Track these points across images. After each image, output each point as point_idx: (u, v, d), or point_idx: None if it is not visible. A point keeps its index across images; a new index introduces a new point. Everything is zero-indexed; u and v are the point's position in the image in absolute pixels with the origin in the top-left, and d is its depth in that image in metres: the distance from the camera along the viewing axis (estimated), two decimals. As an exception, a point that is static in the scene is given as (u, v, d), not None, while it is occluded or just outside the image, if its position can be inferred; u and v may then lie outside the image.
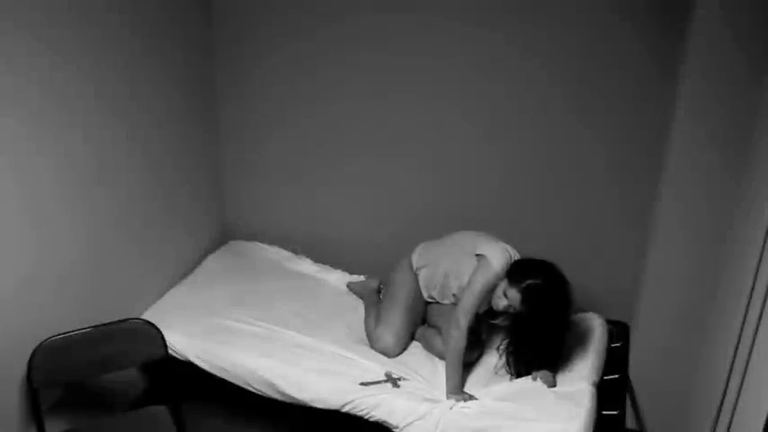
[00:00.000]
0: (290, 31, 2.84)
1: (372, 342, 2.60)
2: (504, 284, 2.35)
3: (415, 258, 2.67)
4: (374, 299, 2.81)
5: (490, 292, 2.40)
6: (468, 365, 2.47)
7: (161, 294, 2.80)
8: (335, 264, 3.10)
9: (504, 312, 2.37)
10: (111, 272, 2.53)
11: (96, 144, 2.36)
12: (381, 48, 2.75)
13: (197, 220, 3.08)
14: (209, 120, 3.03)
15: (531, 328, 2.33)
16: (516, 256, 2.44)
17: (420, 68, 2.73)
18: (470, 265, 2.46)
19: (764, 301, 1.77)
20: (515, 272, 2.34)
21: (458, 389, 2.35)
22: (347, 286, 2.97)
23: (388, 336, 2.57)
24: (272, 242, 3.21)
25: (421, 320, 2.70)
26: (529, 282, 2.28)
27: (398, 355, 2.57)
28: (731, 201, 2.24)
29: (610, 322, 2.68)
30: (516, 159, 2.75)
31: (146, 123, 2.59)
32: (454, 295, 2.54)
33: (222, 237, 3.25)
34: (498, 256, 2.40)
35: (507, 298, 2.32)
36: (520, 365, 2.40)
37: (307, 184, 3.11)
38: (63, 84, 2.17)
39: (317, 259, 3.13)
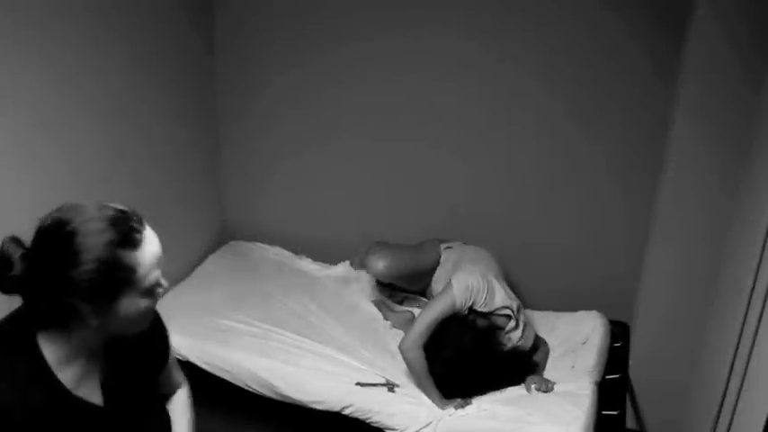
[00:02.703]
0: (290, 31, 2.84)
1: (369, 256, 2.68)
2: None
3: (443, 251, 2.71)
4: None
5: (445, 318, 2.37)
6: None
7: (161, 294, 2.80)
8: (335, 264, 3.10)
9: None
10: (111, 272, 2.53)
11: (96, 145, 2.36)
12: (382, 49, 2.75)
13: (197, 221, 3.08)
14: (209, 120, 3.03)
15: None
16: (483, 292, 2.38)
17: (420, 69, 2.73)
18: (443, 283, 2.48)
19: (764, 302, 1.77)
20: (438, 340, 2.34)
21: (443, 399, 2.31)
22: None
23: (385, 255, 2.63)
24: (272, 242, 3.21)
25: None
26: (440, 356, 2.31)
27: (387, 273, 2.63)
28: (731, 201, 2.24)
29: (610, 322, 2.68)
30: (516, 160, 2.75)
31: (145, 124, 2.59)
32: None
33: (222, 237, 3.25)
34: (461, 290, 2.36)
35: None
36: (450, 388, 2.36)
37: (307, 184, 3.11)
38: (63, 85, 2.17)
39: (317, 259, 3.14)
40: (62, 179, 2.23)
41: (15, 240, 1.08)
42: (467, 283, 2.38)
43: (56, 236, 1.05)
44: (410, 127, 2.84)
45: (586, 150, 2.65)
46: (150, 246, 1.12)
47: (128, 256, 1.08)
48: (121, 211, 1.11)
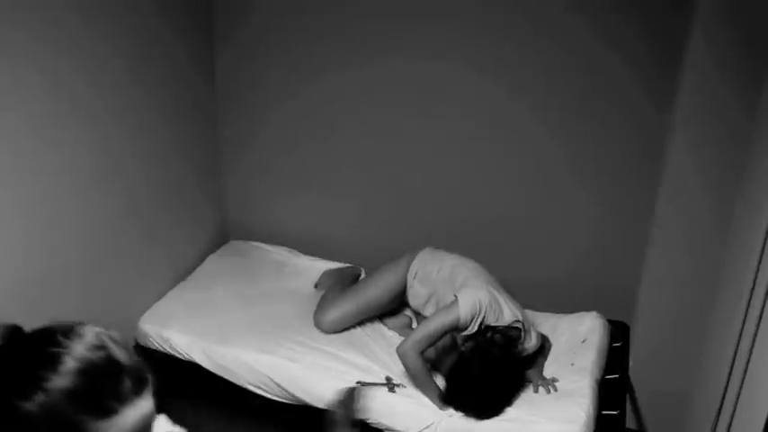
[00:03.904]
0: (291, 32, 2.84)
1: (317, 310, 2.66)
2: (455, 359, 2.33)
3: (415, 266, 2.63)
4: (347, 283, 2.81)
5: (446, 333, 2.36)
6: None
7: (162, 294, 2.80)
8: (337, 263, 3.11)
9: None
10: (112, 272, 2.53)
11: (96, 145, 2.36)
12: (382, 51, 2.74)
13: (197, 220, 3.08)
14: (209, 119, 3.03)
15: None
16: (492, 307, 2.34)
17: (419, 71, 2.72)
18: (449, 299, 2.43)
19: (764, 302, 1.77)
20: (466, 366, 2.27)
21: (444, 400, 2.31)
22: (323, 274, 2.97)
23: (333, 313, 2.61)
24: (272, 242, 3.21)
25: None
26: (470, 384, 2.25)
27: (329, 333, 2.61)
28: (731, 201, 2.25)
29: (610, 322, 2.68)
30: (516, 160, 2.75)
31: (145, 123, 2.59)
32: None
33: (222, 237, 3.25)
34: (467, 307, 2.32)
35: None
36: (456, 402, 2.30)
37: (307, 184, 3.11)
38: (62, 84, 2.17)
39: (318, 259, 3.14)
40: (62, 178, 2.23)
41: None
42: (474, 299, 2.34)
43: (33, 348, 0.86)
44: (410, 127, 2.84)
45: (587, 150, 2.65)
46: (130, 417, 0.86)
47: (89, 424, 0.84)
48: (113, 361, 0.87)
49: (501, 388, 2.28)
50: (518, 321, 2.39)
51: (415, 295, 2.63)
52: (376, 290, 2.67)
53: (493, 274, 2.57)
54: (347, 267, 3.00)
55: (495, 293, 2.41)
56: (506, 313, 2.38)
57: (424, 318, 2.59)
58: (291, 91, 2.95)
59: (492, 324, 2.35)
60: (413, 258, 2.66)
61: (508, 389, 2.30)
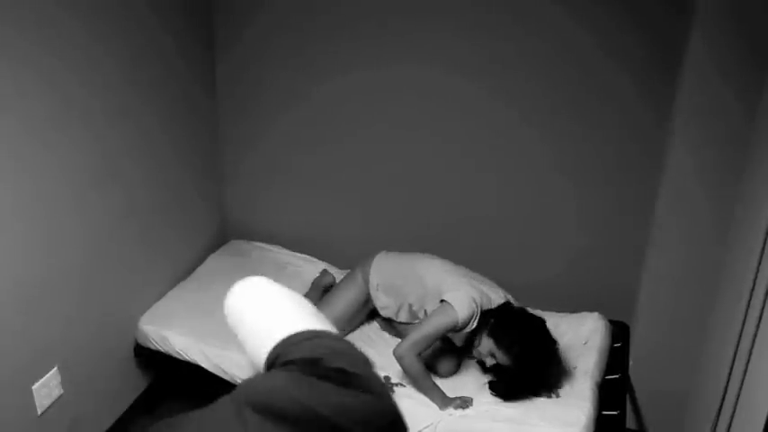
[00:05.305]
0: (291, 34, 2.84)
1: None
2: (489, 344, 2.31)
3: (374, 277, 2.59)
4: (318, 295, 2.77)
5: (443, 335, 2.35)
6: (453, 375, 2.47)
7: (162, 294, 2.80)
8: (336, 264, 3.10)
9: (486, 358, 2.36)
10: (112, 272, 2.53)
11: (96, 145, 2.36)
12: (381, 53, 2.74)
13: (197, 220, 3.08)
14: (210, 119, 3.03)
15: (516, 377, 2.32)
16: (483, 300, 2.34)
17: (419, 73, 2.72)
18: (434, 305, 2.39)
19: (764, 302, 1.77)
20: (500, 334, 2.29)
21: (444, 399, 2.30)
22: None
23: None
24: (272, 242, 3.21)
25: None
26: (515, 346, 2.26)
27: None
28: (731, 201, 2.25)
29: (610, 322, 2.68)
30: (515, 160, 2.75)
31: (146, 124, 2.59)
32: (426, 312, 2.49)
33: (222, 237, 3.25)
34: (465, 310, 2.29)
35: (495, 357, 2.31)
36: (502, 392, 2.34)
37: (307, 184, 3.11)
38: (58, 86, 2.16)
39: (318, 259, 3.14)
40: (62, 178, 2.23)
41: None
42: (468, 299, 2.31)
43: None
44: (410, 129, 2.84)
45: (586, 149, 2.65)
46: None
47: None
48: None
49: (542, 350, 2.32)
50: (506, 298, 2.43)
51: (384, 306, 2.59)
52: (335, 311, 2.59)
53: (456, 263, 2.54)
54: (322, 277, 2.93)
55: (478, 284, 2.40)
56: (493, 297, 2.39)
57: (399, 323, 2.58)
58: (293, 92, 2.95)
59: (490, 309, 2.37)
60: (368, 268, 2.61)
61: (546, 346, 2.33)
